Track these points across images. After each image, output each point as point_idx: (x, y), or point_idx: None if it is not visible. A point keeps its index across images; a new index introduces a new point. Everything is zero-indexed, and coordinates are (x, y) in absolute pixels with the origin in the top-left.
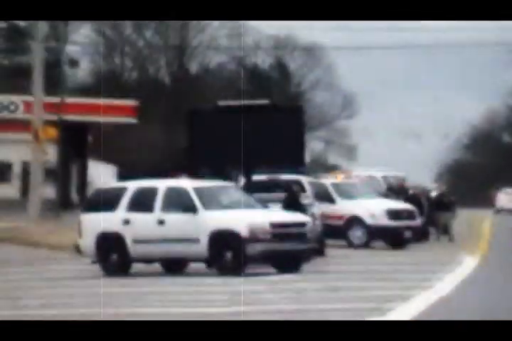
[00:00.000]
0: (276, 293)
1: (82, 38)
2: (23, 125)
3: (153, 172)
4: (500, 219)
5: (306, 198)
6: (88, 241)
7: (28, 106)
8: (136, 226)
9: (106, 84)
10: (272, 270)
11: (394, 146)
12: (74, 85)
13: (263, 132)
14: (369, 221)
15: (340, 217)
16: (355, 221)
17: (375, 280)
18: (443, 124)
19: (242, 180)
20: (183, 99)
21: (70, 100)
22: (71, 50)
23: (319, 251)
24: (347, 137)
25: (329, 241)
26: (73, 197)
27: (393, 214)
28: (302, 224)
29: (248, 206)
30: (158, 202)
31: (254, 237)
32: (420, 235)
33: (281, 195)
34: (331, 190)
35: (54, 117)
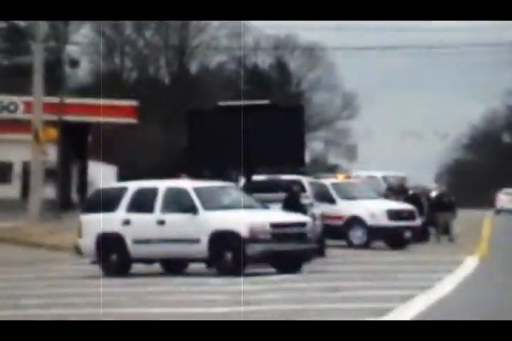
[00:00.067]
0: (276, 293)
1: (82, 38)
2: (23, 125)
3: (154, 172)
4: (501, 220)
5: (306, 198)
6: (88, 242)
7: (28, 106)
8: (136, 227)
9: (106, 84)
10: (272, 270)
11: (394, 146)
12: (74, 85)
13: (263, 132)
14: (369, 221)
15: (340, 217)
16: (355, 221)
17: (375, 280)
18: (443, 124)
19: (242, 180)
20: (183, 99)
21: (70, 100)
22: (71, 50)
23: (319, 252)
24: (347, 137)
25: (329, 242)
26: (73, 197)
27: (393, 215)
28: (302, 225)
29: (248, 206)
30: (159, 203)
31: (254, 237)
32: (420, 235)
33: (282, 195)
34: (331, 190)
35: (54, 117)
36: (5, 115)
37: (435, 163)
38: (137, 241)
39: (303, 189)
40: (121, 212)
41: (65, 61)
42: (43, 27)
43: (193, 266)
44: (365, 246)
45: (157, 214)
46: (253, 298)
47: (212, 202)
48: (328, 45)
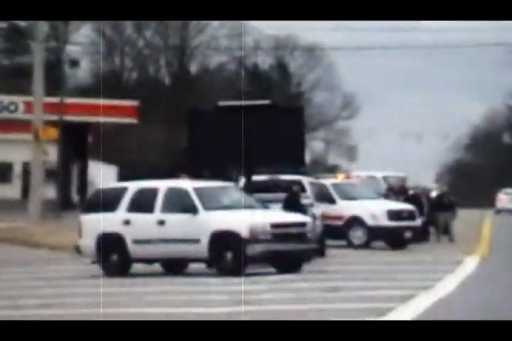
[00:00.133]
0: (277, 293)
1: (82, 38)
2: (23, 125)
3: (154, 172)
4: (501, 220)
5: (307, 198)
6: (88, 242)
7: (28, 106)
8: (137, 227)
9: (106, 84)
10: (272, 270)
11: (394, 146)
12: (74, 85)
13: (263, 132)
14: (369, 221)
15: (340, 218)
16: (355, 221)
17: (375, 280)
18: (443, 124)
19: (242, 181)
20: (183, 99)
21: (70, 100)
22: (71, 50)
23: (319, 252)
24: (347, 137)
25: (329, 242)
26: (73, 197)
27: (393, 215)
28: (302, 225)
29: (248, 206)
30: (159, 203)
31: (254, 238)
32: (420, 235)
33: (282, 196)
34: (332, 191)
35: (54, 117)
36: (5, 115)
37: (435, 163)
38: (137, 241)
39: (303, 189)
40: (121, 212)
41: (65, 61)
42: (42, 27)
43: (193, 266)
44: (365, 246)
45: (157, 214)
46: (253, 298)
47: (212, 202)
48: (328, 46)
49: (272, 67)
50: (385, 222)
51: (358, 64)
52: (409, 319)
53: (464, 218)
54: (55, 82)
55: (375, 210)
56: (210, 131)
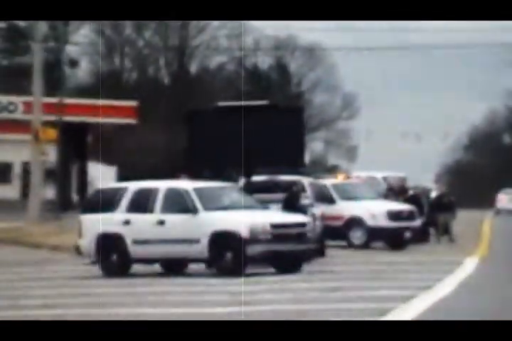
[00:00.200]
0: (276, 294)
1: (82, 38)
2: (22, 125)
3: (154, 172)
4: (501, 220)
5: (306, 199)
6: (88, 242)
7: (27, 106)
8: (136, 227)
9: (106, 84)
10: (272, 270)
11: (394, 147)
12: (74, 86)
13: (263, 132)
14: (369, 222)
15: (340, 218)
16: (355, 221)
17: (374, 280)
18: (443, 125)
19: (242, 181)
20: (183, 99)
21: (70, 101)
22: (71, 50)
23: (319, 252)
24: (347, 138)
25: (329, 242)
26: (73, 197)
27: (393, 215)
28: (302, 225)
29: (248, 207)
30: (159, 203)
31: (254, 238)
32: (420, 236)
33: (282, 196)
34: (331, 191)
35: (54, 118)
36: (4, 115)
37: (435, 164)
38: (137, 242)
39: (303, 189)
40: (121, 212)
41: (64, 61)
42: (42, 27)
43: (193, 267)
44: (365, 246)
45: (157, 214)
46: (253, 298)
47: (212, 203)
48: (329, 46)
49: (271, 67)
50: (385, 222)
51: (358, 64)
52: (409, 319)
53: (463, 218)
54: (54, 83)
55: (375, 210)
56: (209, 132)
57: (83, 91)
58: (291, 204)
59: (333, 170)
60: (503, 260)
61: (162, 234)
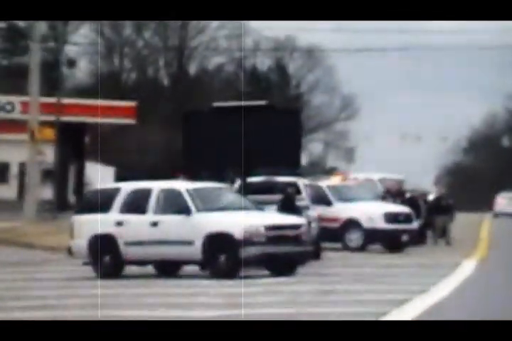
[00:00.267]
0: (271, 296)
1: (81, 39)
2: (20, 125)
3: (152, 173)
4: (499, 223)
5: (302, 200)
6: (80, 243)
7: (25, 106)
8: (129, 228)
9: (105, 84)
10: (267, 273)
11: (393, 148)
12: (73, 86)
13: (260, 133)
14: (366, 224)
15: (336, 220)
16: (351, 224)
17: (371, 283)
18: (442, 127)
19: (238, 182)
20: (182, 100)
21: (68, 101)
22: (69, 50)
23: (315, 254)
24: (346, 139)
25: (325, 244)
26: (70, 198)
27: (390, 218)
28: (297, 227)
29: (243, 208)
30: (152, 204)
31: (248, 240)
32: (417, 238)
33: (277, 197)
34: (328, 193)
35: (52, 118)
36: (2, 115)
37: (434, 166)
38: (130, 243)
39: (298, 191)
40: (114, 213)
41: (63, 61)
42: (40, 27)
43: (187, 268)
44: (362, 249)
45: (150, 215)
46: (247, 301)
47: (206, 204)
48: (328, 47)
49: (271, 68)
50: (382, 224)
51: (357, 65)
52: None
53: (462, 221)
54: (53, 83)
55: (372, 213)
56: (206, 132)
57: (82, 92)
58: (287, 205)
59: (331, 172)
60: (501, 263)
61: (155, 236)
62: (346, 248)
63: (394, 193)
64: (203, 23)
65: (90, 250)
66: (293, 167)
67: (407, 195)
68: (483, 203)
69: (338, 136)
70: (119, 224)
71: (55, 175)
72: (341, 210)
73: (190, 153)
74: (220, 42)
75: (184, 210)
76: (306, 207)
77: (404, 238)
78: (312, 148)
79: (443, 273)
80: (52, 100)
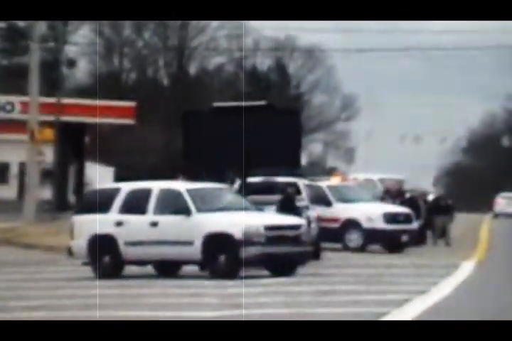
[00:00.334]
0: (270, 297)
1: (81, 39)
2: (20, 126)
3: (152, 173)
4: (498, 223)
5: (302, 201)
6: (80, 243)
7: (24, 106)
8: (129, 228)
9: (105, 84)
10: (266, 273)
11: (393, 149)
12: (73, 86)
13: (259, 133)
14: (365, 224)
15: (336, 220)
16: (351, 224)
17: (370, 284)
18: (442, 127)
19: (238, 182)
20: (182, 100)
21: (68, 101)
22: (69, 50)
23: (315, 254)
24: (346, 139)
25: (325, 244)
26: (70, 198)
27: (390, 218)
28: (297, 227)
29: (242, 208)
30: (152, 204)
31: (248, 240)
32: (417, 239)
33: (277, 198)
34: (328, 193)
35: (51, 118)
36: (2, 115)
37: (434, 166)
38: (130, 243)
39: (298, 191)
40: (113, 214)
41: (63, 61)
42: (39, 27)
43: (187, 269)
44: (361, 249)
45: (150, 215)
46: (247, 301)
47: (205, 204)
48: (328, 47)
49: (271, 68)
50: (382, 224)
51: (357, 66)
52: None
53: (461, 222)
54: (53, 83)
55: (372, 213)
56: (206, 132)
57: (82, 92)
58: (286, 206)
59: (331, 172)
60: (500, 263)
61: (155, 236)
62: (346, 248)
63: (394, 193)
64: (202, 23)
65: (90, 250)
66: (293, 167)
67: (407, 195)
68: (482, 203)
69: (338, 136)
70: (119, 224)
71: (54, 176)
72: (341, 210)
73: (189, 153)
74: (220, 42)
75: (184, 210)
76: (306, 207)
77: (404, 238)
78: (312, 148)
79: (443, 273)
80: (51, 100)
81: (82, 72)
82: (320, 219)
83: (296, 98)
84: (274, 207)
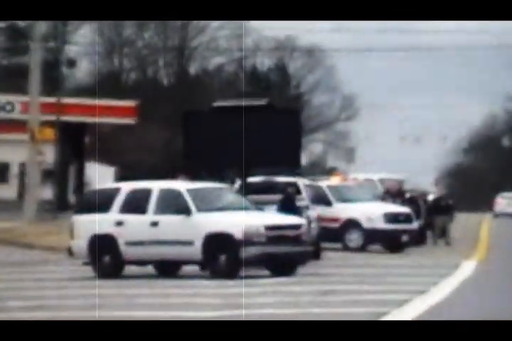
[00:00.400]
0: (270, 297)
1: (81, 38)
2: (21, 125)
3: (153, 173)
4: (499, 223)
5: (302, 200)
6: (80, 243)
7: (25, 106)
8: (129, 228)
9: (105, 84)
10: (267, 273)
11: (393, 149)
12: (74, 86)
13: (259, 133)
14: (365, 224)
15: (336, 220)
16: (351, 224)
17: (371, 283)
18: (442, 127)
19: (238, 182)
20: (183, 100)
21: (68, 100)
22: (71, 50)
23: (315, 254)
24: (346, 139)
25: (325, 244)
26: (70, 198)
27: (390, 218)
28: (297, 227)
29: (243, 208)
30: (152, 204)
31: (248, 240)
32: (417, 238)
33: (277, 197)
34: (328, 193)
35: (52, 118)
36: (2, 115)
37: (434, 167)
38: (130, 243)
39: (298, 191)
40: (114, 213)
41: (63, 61)
42: (40, 27)
43: (187, 269)
44: (362, 249)
45: (150, 215)
46: (247, 302)
47: (206, 204)
48: (328, 47)
49: (271, 68)
50: (382, 224)
51: (357, 66)
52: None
53: (462, 222)
54: (54, 83)
55: (372, 213)
56: (206, 132)
57: (83, 92)
58: (287, 205)
59: (331, 172)
60: (501, 263)
61: (155, 236)
62: (346, 248)
63: (394, 193)
64: (203, 23)
65: (90, 250)
66: (293, 167)
67: (407, 195)
68: (483, 203)
69: (339, 136)
70: (119, 224)
71: (55, 175)
72: (341, 210)
73: (190, 152)
74: (220, 42)
75: (184, 210)
76: (306, 207)
77: (404, 238)
78: (312, 148)
79: (443, 273)
80: (52, 100)
81: (82, 71)
82: (320, 219)
83: (296, 98)
84: (274, 207)
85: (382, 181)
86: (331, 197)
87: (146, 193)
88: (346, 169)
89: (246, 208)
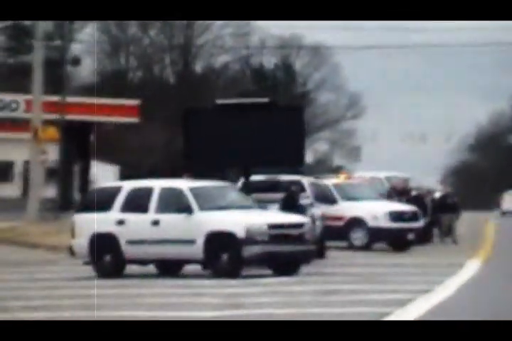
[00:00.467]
0: (273, 296)
1: (87, 37)
2: (24, 124)
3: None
4: (506, 221)
5: (306, 199)
6: (81, 242)
7: (29, 105)
8: (131, 227)
9: (110, 83)
10: (269, 272)
11: (399, 147)
12: (78, 84)
13: (262, 131)
14: (371, 222)
15: (341, 218)
16: (356, 222)
17: (375, 283)
18: (448, 126)
19: (241, 180)
20: (188, 98)
21: (72, 99)
22: (76, 48)
23: (319, 253)
24: (352, 138)
25: (330, 243)
26: (76, 196)
27: (396, 216)
28: (300, 226)
29: (245, 207)
30: (153, 203)
31: (251, 239)
32: (423, 237)
33: (280, 196)
34: (333, 191)
35: (56, 116)
36: (6, 114)
37: (440, 165)
38: (131, 242)
39: (302, 189)
40: (115, 212)
41: (67, 60)
42: (44, 25)
43: (189, 268)
44: (366, 247)
45: (152, 214)
46: (249, 301)
47: (208, 203)
48: (334, 45)
49: (277, 66)
50: (387, 223)
51: (363, 64)
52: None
53: (468, 220)
54: (59, 81)
55: (377, 211)
56: (207, 130)
57: (88, 90)
58: (290, 204)
59: (337, 171)
60: (507, 262)
61: (157, 235)
62: (351, 247)
63: (399, 191)
64: (208, 21)
65: (91, 249)
66: (297, 165)
67: (413, 193)
68: (489, 201)
69: (345, 135)
70: (120, 223)
71: (59, 174)
72: (346, 209)
73: (191, 150)
74: (226, 40)
75: (186, 209)
76: (310, 205)
77: (410, 236)
78: (318, 147)
79: (448, 272)
80: (56, 99)
81: (87, 70)
82: (325, 218)
83: (302, 96)
84: (277, 206)
85: (388, 179)
86: (336, 196)
87: (147, 192)
88: (352, 167)
89: (249, 207)
